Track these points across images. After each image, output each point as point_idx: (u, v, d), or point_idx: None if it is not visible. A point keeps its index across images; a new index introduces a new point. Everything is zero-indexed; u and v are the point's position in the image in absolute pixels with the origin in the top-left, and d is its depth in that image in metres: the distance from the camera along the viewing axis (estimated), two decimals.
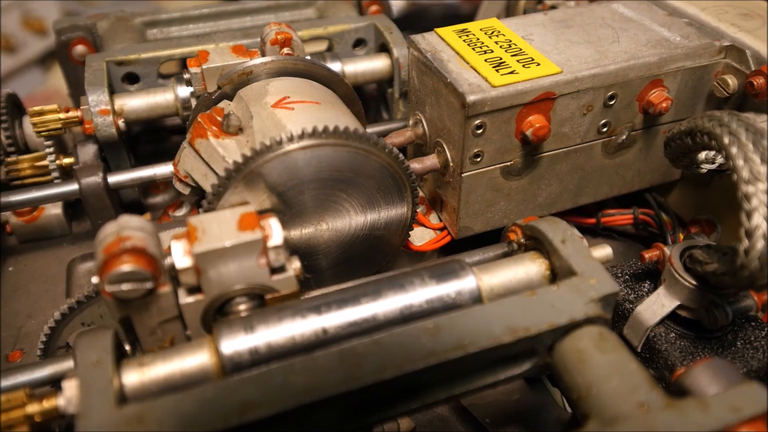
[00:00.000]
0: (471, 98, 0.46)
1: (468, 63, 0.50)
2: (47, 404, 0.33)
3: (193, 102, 0.57)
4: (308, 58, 0.54)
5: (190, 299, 0.37)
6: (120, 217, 0.35)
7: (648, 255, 0.49)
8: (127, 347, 0.37)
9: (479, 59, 0.50)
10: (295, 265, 0.39)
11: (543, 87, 0.48)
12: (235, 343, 0.34)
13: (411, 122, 0.57)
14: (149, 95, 0.60)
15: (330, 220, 0.46)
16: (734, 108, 0.54)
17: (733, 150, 0.37)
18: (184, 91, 0.60)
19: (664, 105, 0.51)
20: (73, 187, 0.56)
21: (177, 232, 0.50)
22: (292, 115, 0.46)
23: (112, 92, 0.60)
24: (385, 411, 0.35)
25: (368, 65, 0.67)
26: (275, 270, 0.38)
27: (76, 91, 0.71)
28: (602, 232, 0.63)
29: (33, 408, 0.33)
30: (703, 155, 0.48)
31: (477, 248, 0.46)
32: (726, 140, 0.37)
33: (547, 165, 0.53)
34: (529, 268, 0.40)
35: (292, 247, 0.45)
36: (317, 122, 0.42)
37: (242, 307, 0.38)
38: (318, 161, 0.42)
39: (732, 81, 0.52)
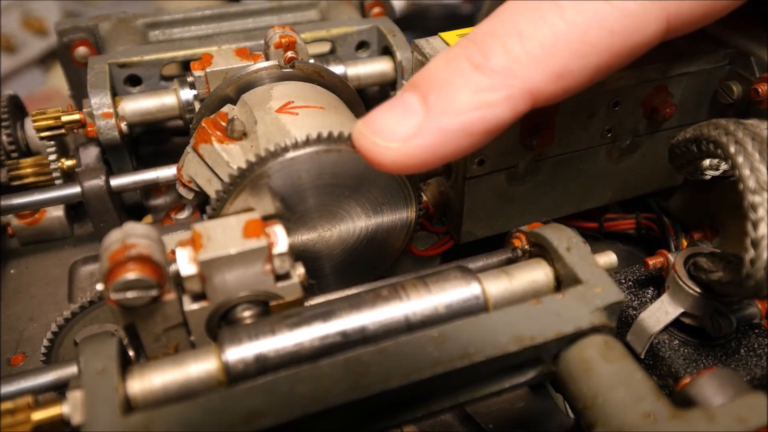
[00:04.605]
0: None
1: None
2: (51, 412, 0.32)
3: (197, 105, 0.57)
4: (312, 62, 0.54)
5: (195, 306, 0.37)
6: (125, 224, 0.35)
7: (652, 262, 0.49)
8: (131, 353, 0.37)
9: None
10: (300, 271, 0.39)
11: None
12: (240, 351, 0.34)
13: None
14: (152, 98, 0.60)
15: (334, 226, 0.46)
16: (738, 114, 0.54)
17: (740, 159, 0.37)
18: (187, 93, 0.59)
19: (668, 111, 0.51)
20: (76, 190, 0.55)
21: (180, 235, 0.50)
22: (297, 120, 0.46)
23: (115, 95, 0.60)
24: (389, 419, 0.35)
25: (371, 68, 0.67)
26: (280, 277, 0.38)
27: (78, 93, 0.71)
28: (604, 237, 0.63)
29: (37, 415, 0.33)
30: (707, 162, 0.48)
31: (480, 253, 0.46)
32: (732, 149, 0.37)
33: (550, 170, 0.53)
34: (534, 275, 0.40)
35: (295, 253, 0.45)
36: (322, 127, 0.42)
37: (246, 313, 0.38)
38: (322, 167, 0.42)
39: (736, 87, 0.52)
